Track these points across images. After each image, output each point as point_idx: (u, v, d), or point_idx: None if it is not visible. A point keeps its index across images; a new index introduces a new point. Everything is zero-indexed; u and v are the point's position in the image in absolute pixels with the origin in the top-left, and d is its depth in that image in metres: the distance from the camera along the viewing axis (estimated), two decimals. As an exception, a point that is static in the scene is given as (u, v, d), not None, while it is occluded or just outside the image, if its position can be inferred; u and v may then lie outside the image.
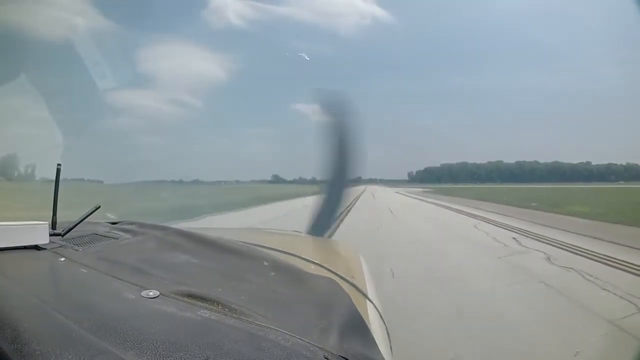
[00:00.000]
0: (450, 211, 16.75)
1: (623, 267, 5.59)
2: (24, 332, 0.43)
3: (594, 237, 8.26)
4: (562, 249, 7.06)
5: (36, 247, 0.78)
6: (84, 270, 0.70)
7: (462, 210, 16.24)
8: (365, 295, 0.97)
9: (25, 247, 0.77)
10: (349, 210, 12.66)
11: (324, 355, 0.50)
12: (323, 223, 2.03)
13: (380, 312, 0.93)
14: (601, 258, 6.14)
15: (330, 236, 3.09)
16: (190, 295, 0.61)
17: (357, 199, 20.28)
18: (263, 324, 0.55)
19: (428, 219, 13.67)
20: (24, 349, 0.41)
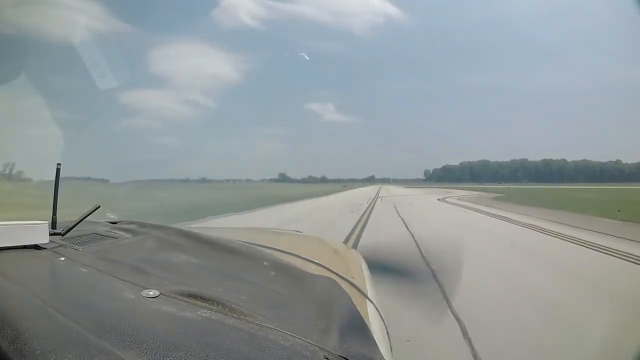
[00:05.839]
0: None
1: None
2: (24, 332, 0.43)
3: None
4: None
5: (36, 247, 0.78)
6: (84, 270, 0.70)
7: None
8: (365, 295, 0.96)
9: (25, 247, 0.77)
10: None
11: (324, 355, 0.49)
12: None
13: (380, 312, 0.92)
14: None
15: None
16: (190, 295, 0.61)
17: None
18: (263, 324, 0.54)
19: None
20: (24, 348, 0.41)
